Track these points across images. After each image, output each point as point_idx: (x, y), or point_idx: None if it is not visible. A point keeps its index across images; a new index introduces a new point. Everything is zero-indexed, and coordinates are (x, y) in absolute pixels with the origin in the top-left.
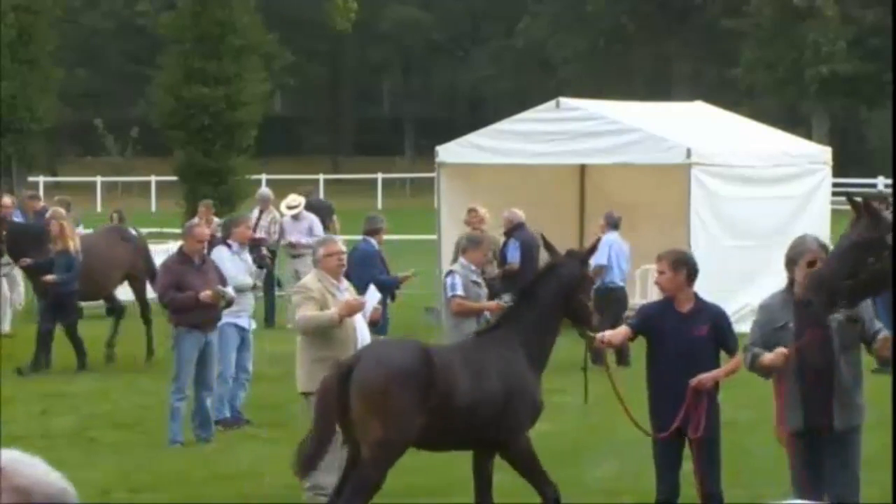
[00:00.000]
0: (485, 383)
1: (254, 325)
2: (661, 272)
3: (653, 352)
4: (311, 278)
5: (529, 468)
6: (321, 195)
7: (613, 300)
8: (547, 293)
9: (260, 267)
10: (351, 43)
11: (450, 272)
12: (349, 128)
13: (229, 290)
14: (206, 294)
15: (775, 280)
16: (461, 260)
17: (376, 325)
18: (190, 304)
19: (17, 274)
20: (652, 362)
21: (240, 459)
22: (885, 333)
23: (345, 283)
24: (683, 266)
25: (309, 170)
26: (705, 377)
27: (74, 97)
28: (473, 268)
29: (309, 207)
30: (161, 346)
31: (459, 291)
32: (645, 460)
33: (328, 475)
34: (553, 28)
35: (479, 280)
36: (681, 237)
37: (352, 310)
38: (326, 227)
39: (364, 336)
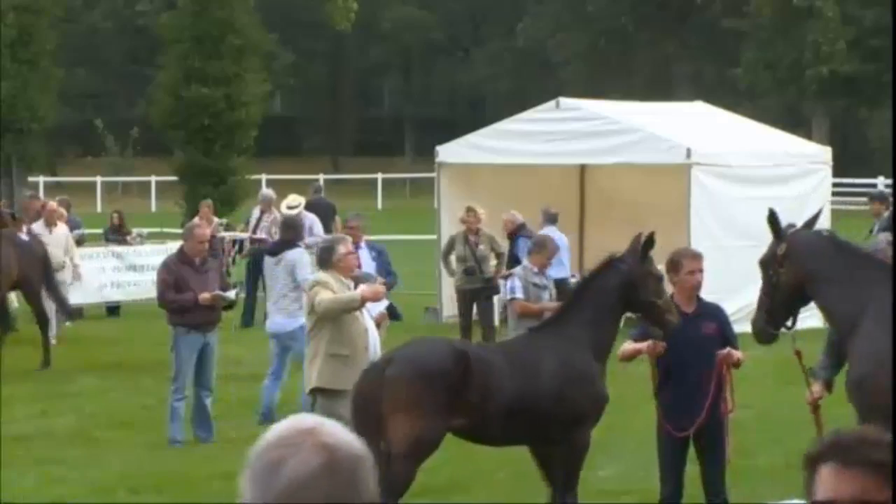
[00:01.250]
0: (535, 380)
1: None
2: (701, 270)
3: (665, 354)
4: (324, 274)
5: (573, 468)
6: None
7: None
8: (601, 289)
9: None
10: (351, 43)
11: (509, 275)
12: (349, 128)
13: (230, 294)
14: (204, 297)
15: None
16: (524, 262)
17: (378, 328)
18: (188, 306)
19: None
20: (664, 364)
21: (240, 459)
22: None
23: (351, 282)
24: None
25: (309, 170)
26: (732, 351)
27: (74, 97)
28: (536, 270)
29: (309, 207)
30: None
31: (519, 294)
32: (648, 461)
33: None
34: (553, 28)
35: (542, 282)
36: (681, 237)
37: (376, 294)
38: (329, 228)
39: (374, 336)
